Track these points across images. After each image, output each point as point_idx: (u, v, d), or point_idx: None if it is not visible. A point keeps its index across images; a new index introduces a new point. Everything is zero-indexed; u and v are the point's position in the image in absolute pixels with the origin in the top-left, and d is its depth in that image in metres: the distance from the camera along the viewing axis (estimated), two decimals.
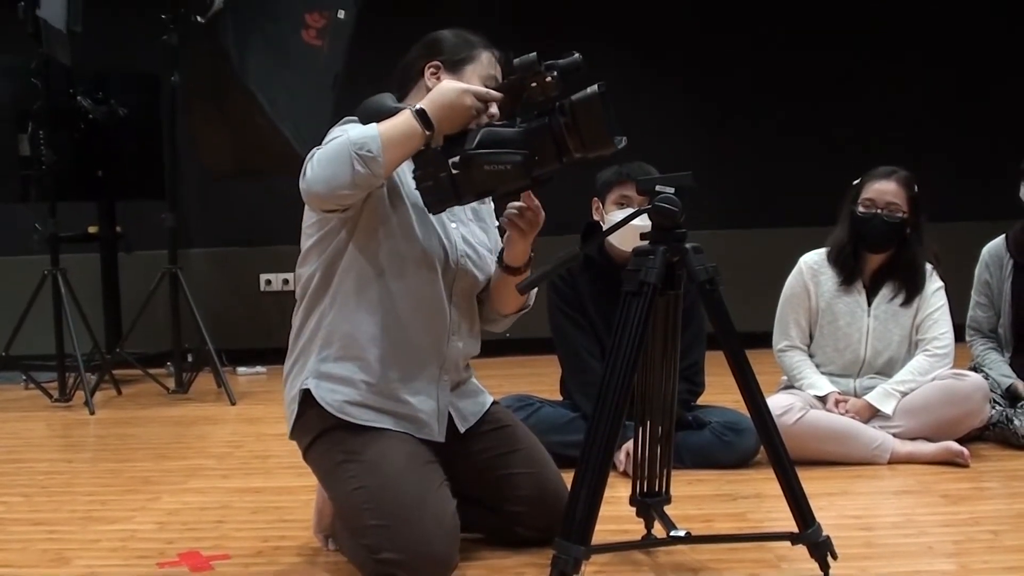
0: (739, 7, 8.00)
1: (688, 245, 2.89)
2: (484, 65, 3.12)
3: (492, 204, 3.38)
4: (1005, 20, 8.00)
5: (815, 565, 2.90)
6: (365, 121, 2.89)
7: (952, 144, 7.80)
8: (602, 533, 2.84)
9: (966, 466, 4.27)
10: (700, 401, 4.57)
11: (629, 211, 4.02)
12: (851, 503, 3.86)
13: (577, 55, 2.81)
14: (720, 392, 4.64)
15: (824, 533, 2.90)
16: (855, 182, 4.64)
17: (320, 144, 2.89)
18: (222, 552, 3.39)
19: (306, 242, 3.13)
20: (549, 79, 2.78)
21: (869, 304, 4.59)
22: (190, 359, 6.76)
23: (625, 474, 3.88)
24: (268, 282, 7.88)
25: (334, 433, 3.07)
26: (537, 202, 3.10)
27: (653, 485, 3.25)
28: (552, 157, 2.82)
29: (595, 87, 2.76)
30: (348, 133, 2.81)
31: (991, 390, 4.57)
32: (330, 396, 3.07)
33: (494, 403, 3.40)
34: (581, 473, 2.80)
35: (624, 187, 4.26)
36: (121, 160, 7.01)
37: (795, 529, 2.92)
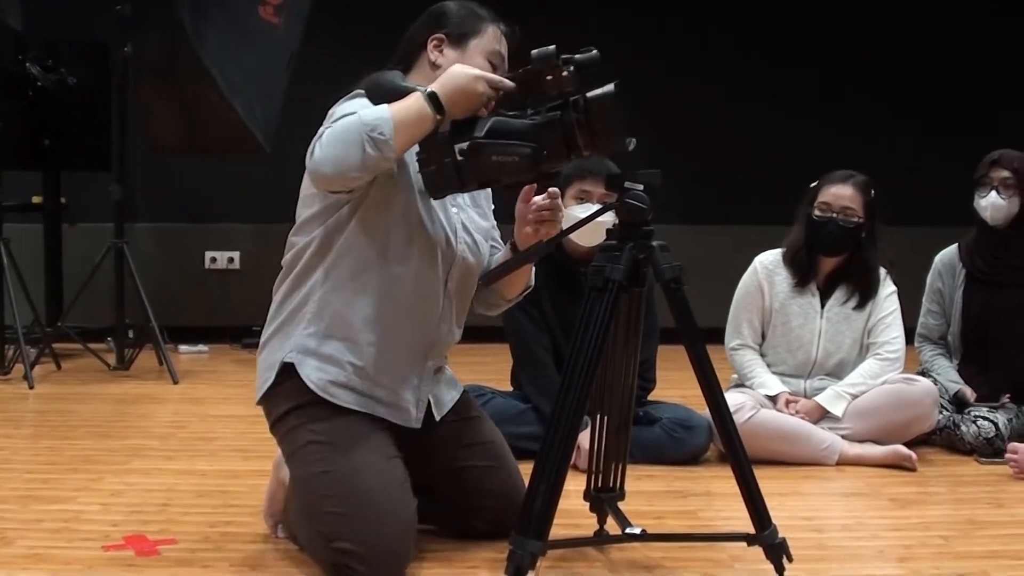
0: (702, 5, 8.00)
1: (654, 243, 2.88)
2: (490, 39, 3.09)
3: (488, 192, 3.35)
4: (964, 28, 8.05)
5: (769, 566, 2.90)
6: (374, 99, 2.86)
7: (909, 150, 7.84)
8: (555, 527, 2.82)
9: (913, 470, 4.31)
10: (651, 397, 4.56)
11: (588, 206, 4.03)
12: (801, 504, 3.88)
13: (595, 51, 2.77)
14: (670, 387, 4.66)
15: (780, 535, 2.90)
16: (812, 185, 4.66)
17: (324, 125, 2.84)
18: (168, 536, 3.34)
19: (304, 211, 3.07)
20: (566, 73, 2.74)
21: (822, 306, 4.61)
22: (131, 335, 6.67)
23: (576, 467, 3.86)
24: (213, 260, 7.80)
25: (308, 409, 3.02)
26: (558, 201, 3.05)
27: (607, 480, 3.24)
28: (561, 152, 2.78)
29: (611, 85, 2.74)
30: (359, 114, 2.77)
31: (939, 395, 4.60)
32: (315, 374, 3.01)
33: (464, 392, 3.38)
34: (540, 468, 2.79)
35: (584, 182, 4.25)
36: (68, 130, 6.89)
37: (748, 528, 2.92)
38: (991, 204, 4.76)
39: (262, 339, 3.17)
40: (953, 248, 4.99)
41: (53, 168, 7.14)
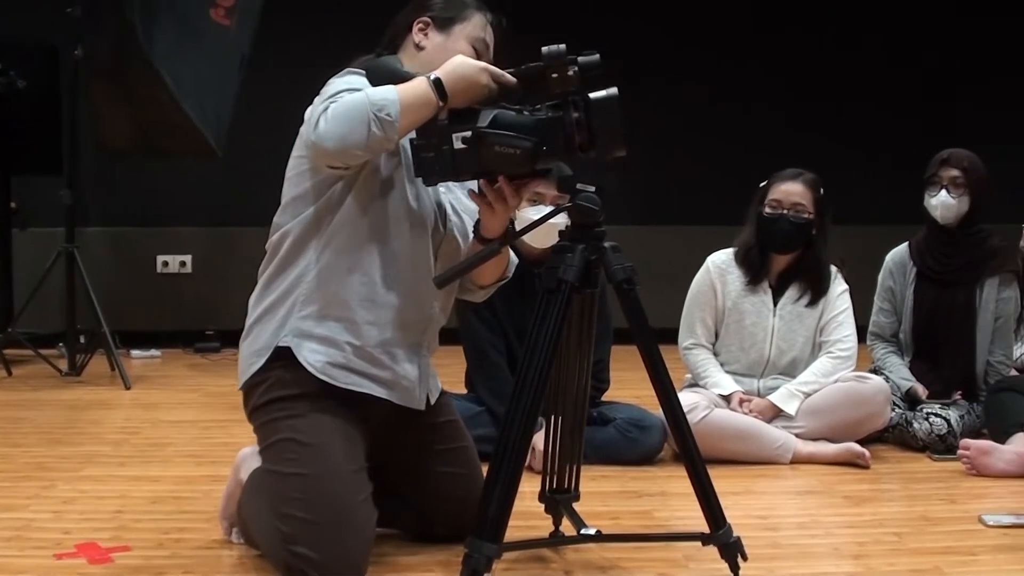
0: (654, 6, 8.01)
1: (606, 244, 2.89)
2: (475, 26, 3.10)
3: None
4: (915, 32, 8.11)
5: (723, 565, 2.91)
6: (374, 82, 2.85)
7: (859, 150, 7.88)
8: (510, 529, 2.81)
9: (866, 467, 4.34)
10: (605, 397, 4.57)
11: (541, 208, 4.02)
12: (755, 502, 3.89)
13: (596, 54, 2.80)
14: (624, 388, 4.67)
15: (735, 534, 2.91)
16: (762, 184, 4.69)
17: (320, 98, 2.82)
18: (121, 544, 3.31)
19: (292, 190, 3.05)
20: (571, 73, 2.76)
21: (775, 304, 4.63)
22: (83, 341, 6.61)
23: (531, 469, 3.86)
24: (165, 264, 7.75)
25: (291, 403, 2.99)
26: (510, 188, 3.01)
27: (562, 481, 3.24)
28: (559, 150, 2.80)
29: (614, 88, 2.76)
30: (366, 92, 2.77)
31: (891, 393, 4.63)
32: (312, 357, 2.99)
33: (442, 392, 3.37)
34: (495, 471, 2.78)
35: (536, 183, 4.24)
36: (18, 133, 6.81)
37: (703, 528, 2.92)
38: (941, 203, 4.79)
39: (247, 324, 3.11)
40: (904, 247, 5.03)
41: (3, 172, 7.06)
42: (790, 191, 4.58)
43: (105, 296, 6.60)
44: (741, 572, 2.91)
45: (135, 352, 7.31)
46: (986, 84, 8.05)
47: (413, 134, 2.85)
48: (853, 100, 8.01)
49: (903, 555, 3.31)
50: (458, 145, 2.80)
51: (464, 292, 3.35)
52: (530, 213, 4.04)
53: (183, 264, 7.74)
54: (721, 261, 4.71)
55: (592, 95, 2.78)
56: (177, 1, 6.04)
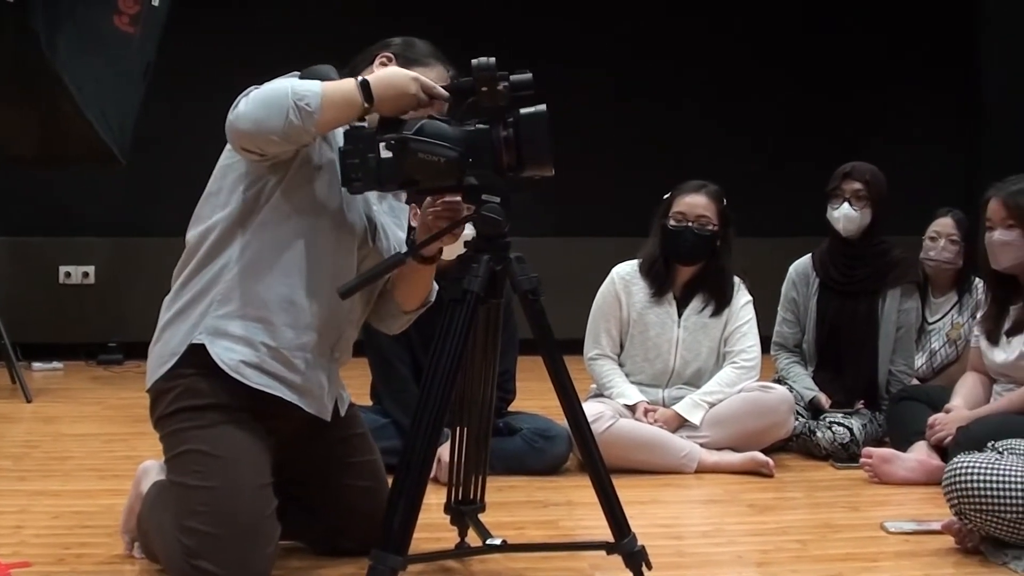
0: (561, 13, 8.03)
1: (512, 255, 2.89)
2: (436, 75, 3.05)
3: (405, 206, 3.37)
4: (820, 43, 8.20)
5: (628, 574, 2.93)
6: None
7: (763, 162, 7.95)
8: (416, 541, 2.82)
9: (770, 476, 4.39)
10: (511, 408, 4.58)
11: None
12: (661, 511, 3.92)
13: (529, 73, 2.81)
14: (530, 398, 4.68)
15: (639, 543, 2.92)
16: (666, 196, 4.73)
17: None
18: (21, 560, 3.25)
19: (218, 184, 3.02)
20: (501, 88, 2.77)
21: (679, 315, 4.67)
22: None
23: (437, 480, 3.85)
24: (68, 274, 7.62)
25: (199, 413, 2.95)
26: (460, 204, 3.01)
27: (468, 492, 3.24)
28: (486, 164, 2.81)
29: (543, 106, 2.78)
30: (291, 82, 2.77)
31: (795, 402, 4.68)
32: (226, 355, 2.95)
33: (351, 405, 3.35)
34: (400, 482, 2.78)
35: (444, 195, 4.24)
36: None
37: (609, 537, 2.94)
38: (844, 215, 4.86)
39: (159, 326, 3.07)
40: (807, 258, 5.09)
41: None
42: (694, 203, 4.62)
43: (5, 307, 6.51)
44: None
45: (36, 364, 7.17)
46: (888, 100, 8.16)
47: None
48: (755, 113, 8.07)
49: (806, 562, 3.35)
50: (384, 154, 2.79)
51: (386, 318, 3.32)
52: None
53: (86, 275, 7.62)
54: (626, 272, 4.74)
55: (522, 111, 2.80)
56: (80, 9, 5.94)
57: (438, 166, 2.79)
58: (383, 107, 2.82)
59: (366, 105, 2.79)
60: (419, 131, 2.80)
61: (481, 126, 2.83)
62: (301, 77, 2.92)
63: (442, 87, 2.89)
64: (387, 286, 3.25)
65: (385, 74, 2.86)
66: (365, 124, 2.83)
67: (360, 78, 2.81)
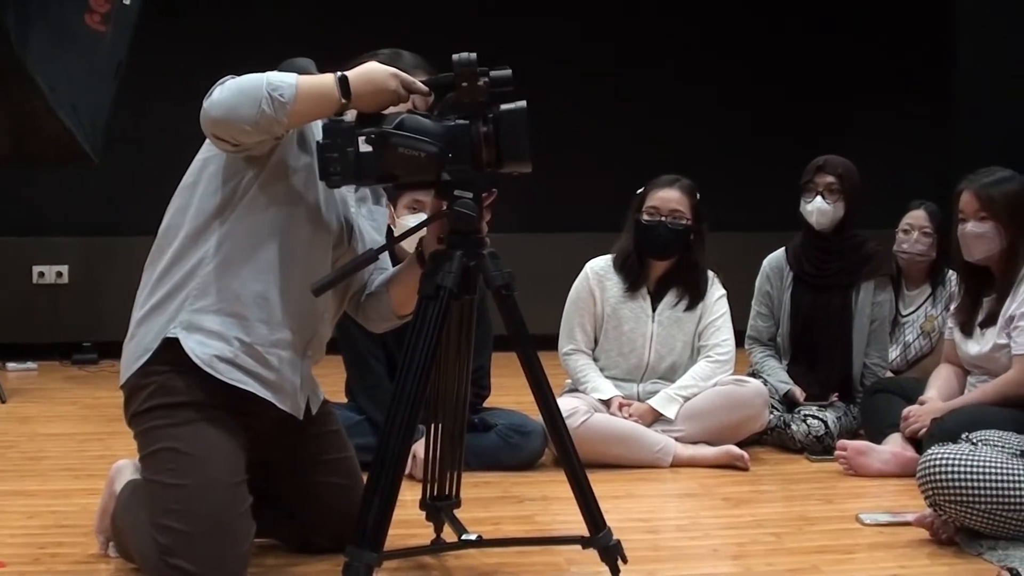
0: (532, 10, 8.02)
1: (485, 251, 2.89)
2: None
3: (385, 209, 3.37)
4: (791, 36, 8.21)
5: (604, 568, 2.93)
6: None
7: (736, 157, 7.96)
8: (391, 538, 2.82)
9: (745, 469, 4.40)
10: (486, 404, 4.58)
11: (421, 215, 4.01)
12: (636, 506, 3.93)
13: (509, 69, 2.81)
14: (505, 394, 4.68)
15: (614, 537, 2.93)
16: (639, 191, 4.73)
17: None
18: None
19: (193, 177, 3.01)
20: (481, 83, 2.77)
21: (653, 310, 4.68)
22: None
23: (412, 477, 3.85)
24: (41, 274, 7.58)
25: (172, 411, 2.94)
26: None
27: (443, 488, 3.24)
28: (465, 160, 2.81)
29: (523, 102, 2.79)
30: (267, 73, 2.77)
31: (770, 396, 4.70)
32: (200, 349, 2.93)
33: (325, 402, 3.34)
34: (375, 479, 2.78)
35: (416, 191, 4.23)
36: None
37: (584, 532, 2.94)
38: (817, 209, 4.88)
39: (134, 321, 3.05)
40: (780, 252, 5.11)
41: None
42: (667, 198, 4.62)
43: None
44: (621, 574, 2.93)
45: (11, 365, 7.14)
46: (861, 94, 8.18)
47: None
48: (728, 107, 8.08)
49: (781, 555, 3.37)
50: (363, 148, 2.79)
51: (377, 320, 3.30)
52: (410, 221, 4.04)
53: (60, 274, 7.58)
54: (600, 267, 4.74)
55: (502, 107, 2.81)
56: (51, 7, 5.92)
57: (418, 161, 2.79)
58: (361, 102, 2.82)
59: (343, 100, 2.79)
60: (399, 126, 2.80)
61: (461, 122, 2.82)
62: (280, 70, 2.92)
63: (422, 82, 2.88)
64: (380, 290, 3.24)
65: (364, 69, 2.85)
66: (344, 118, 2.83)
67: (340, 73, 2.81)
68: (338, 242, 3.10)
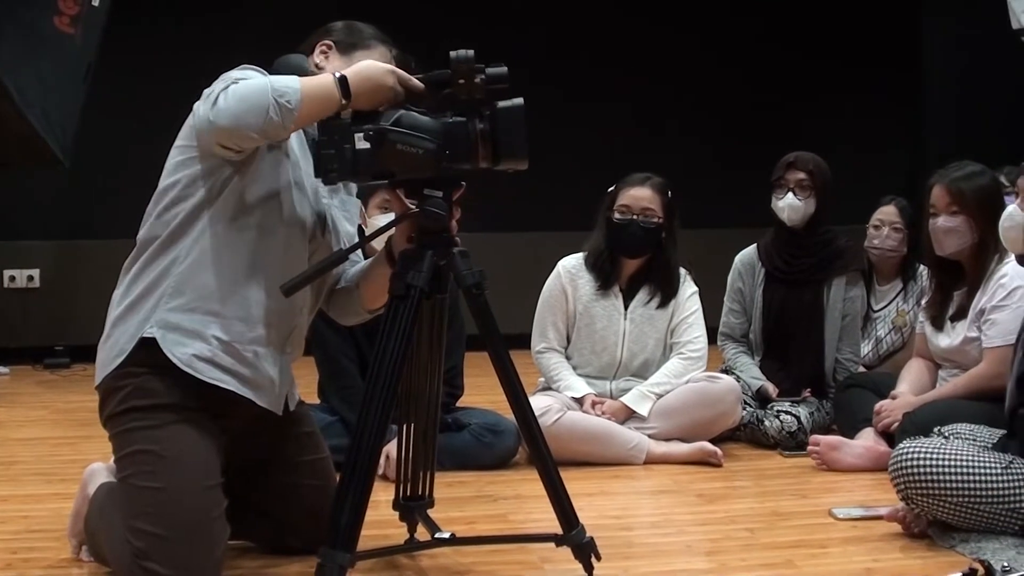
0: (503, 9, 8.01)
1: (455, 249, 2.89)
2: (378, 55, 3.07)
3: (357, 200, 3.37)
4: (761, 35, 8.23)
5: (578, 566, 2.94)
6: (280, 74, 2.84)
7: (707, 154, 7.97)
8: (365, 539, 2.82)
9: (719, 466, 4.40)
10: (460, 403, 4.57)
11: (391, 214, 4.01)
12: (610, 503, 3.93)
13: (504, 67, 2.81)
14: (478, 394, 4.67)
15: (588, 535, 2.93)
16: (610, 189, 4.73)
17: (216, 85, 2.80)
18: None
19: (170, 179, 2.98)
20: (479, 80, 2.77)
21: (625, 308, 4.68)
22: None
23: (386, 477, 3.84)
24: (12, 278, 7.54)
25: (148, 414, 2.92)
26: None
27: (416, 488, 3.24)
28: (462, 157, 2.81)
29: (520, 99, 2.80)
30: (269, 79, 2.77)
31: (742, 392, 4.71)
32: (178, 349, 2.91)
33: (301, 403, 3.33)
34: (347, 479, 2.77)
35: (388, 191, 4.23)
36: None
37: (558, 530, 2.95)
38: (788, 205, 4.89)
39: (109, 321, 3.03)
40: (752, 248, 5.12)
41: None
42: (639, 196, 4.62)
43: None
44: (596, 572, 2.94)
45: None
46: (832, 92, 8.20)
47: (316, 134, 2.84)
48: (698, 105, 8.09)
49: (755, 550, 3.37)
50: (360, 145, 2.78)
51: (348, 314, 3.31)
52: (380, 220, 4.04)
53: (31, 278, 7.55)
54: (572, 265, 4.74)
55: (499, 104, 2.81)
56: (19, 10, 5.90)
57: (416, 157, 2.79)
58: (360, 101, 2.82)
59: (343, 101, 2.79)
60: (396, 122, 2.80)
61: (458, 119, 2.83)
62: (273, 67, 2.93)
63: (418, 79, 2.89)
64: (350, 285, 3.24)
65: (362, 68, 2.85)
66: (340, 115, 2.82)
67: (337, 73, 2.81)
68: (312, 236, 3.09)
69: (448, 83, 2.83)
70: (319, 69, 3.06)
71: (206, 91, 2.83)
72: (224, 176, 2.93)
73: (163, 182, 3.01)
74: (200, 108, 2.81)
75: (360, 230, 4.30)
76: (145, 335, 2.93)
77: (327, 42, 3.10)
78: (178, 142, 3.00)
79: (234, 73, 2.87)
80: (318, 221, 3.11)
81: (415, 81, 2.88)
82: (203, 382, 2.93)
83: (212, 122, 2.75)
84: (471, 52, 2.78)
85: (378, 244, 3.91)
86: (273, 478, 3.22)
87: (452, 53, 2.79)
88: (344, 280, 3.25)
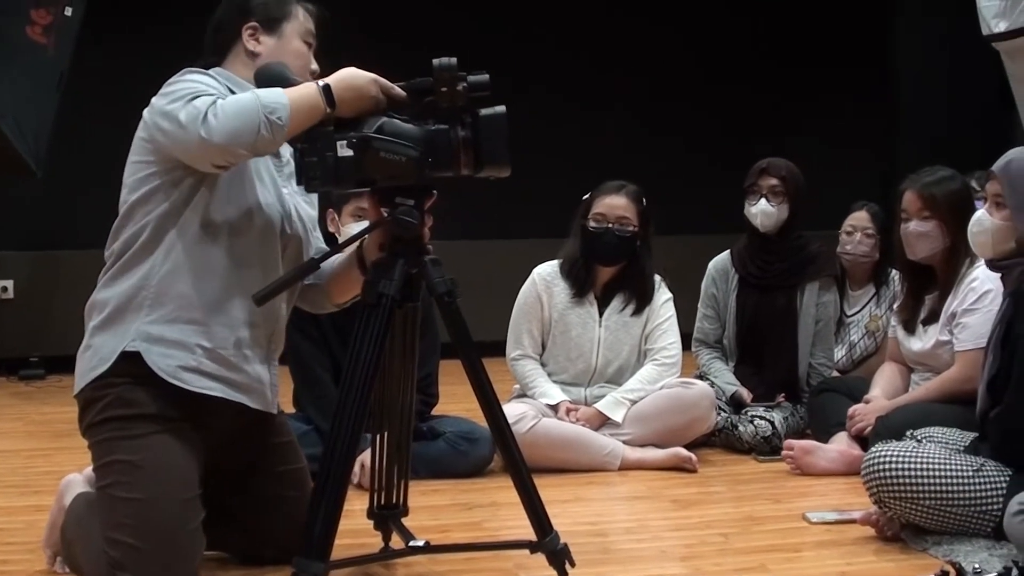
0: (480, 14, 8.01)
1: (427, 258, 2.90)
2: (301, 21, 3.10)
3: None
4: (734, 40, 8.25)
5: (553, 572, 2.94)
6: (262, 85, 2.85)
7: (679, 161, 7.98)
8: (339, 548, 2.82)
9: (694, 471, 4.41)
10: (435, 411, 4.57)
11: (366, 223, 4.01)
12: (585, 509, 3.94)
13: (486, 74, 2.83)
14: (453, 402, 4.67)
15: (562, 541, 2.94)
16: (585, 197, 4.74)
17: (167, 97, 2.82)
18: None
19: (134, 195, 2.97)
20: (461, 88, 2.78)
21: (600, 315, 4.69)
22: None
23: (360, 486, 3.84)
24: None
25: (128, 424, 2.92)
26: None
27: (390, 497, 3.24)
28: (444, 165, 2.83)
29: (502, 107, 2.82)
30: (257, 93, 2.77)
31: (716, 397, 4.73)
32: (163, 361, 2.91)
33: (280, 412, 3.32)
34: (320, 489, 2.78)
35: (361, 199, 4.22)
36: None
37: (533, 537, 2.95)
38: (761, 211, 4.91)
39: (88, 330, 3.02)
40: (726, 254, 5.13)
41: None
42: (614, 204, 4.63)
43: None
44: None
45: None
46: (804, 97, 8.22)
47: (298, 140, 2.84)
48: (671, 112, 8.09)
49: (729, 555, 3.39)
50: (342, 152, 2.79)
51: (316, 307, 3.33)
52: (353, 228, 4.03)
53: (5, 289, 7.52)
54: (547, 273, 4.75)
55: (482, 111, 2.83)
56: None
57: (399, 165, 2.80)
58: (344, 109, 2.84)
59: (328, 110, 2.81)
60: (379, 130, 2.81)
61: (440, 126, 2.84)
62: (256, 78, 2.94)
63: (400, 86, 2.89)
64: (315, 280, 3.23)
65: (345, 76, 2.86)
66: (323, 123, 2.83)
67: (322, 83, 2.82)
68: (282, 230, 3.09)
69: (430, 91, 2.84)
70: (253, 56, 3.06)
71: (162, 104, 2.83)
72: (189, 184, 2.93)
73: (128, 197, 3.00)
74: (183, 123, 2.77)
75: (332, 237, 4.32)
76: (128, 349, 2.92)
77: (252, 24, 3.08)
78: (133, 157, 3.00)
79: (186, 84, 2.86)
80: (283, 211, 3.10)
81: (397, 89, 2.89)
82: (186, 392, 2.93)
83: (205, 139, 2.74)
84: (454, 60, 2.80)
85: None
86: (252, 488, 3.22)
87: (435, 61, 2.80)
88: (314, 277, 3.24)
